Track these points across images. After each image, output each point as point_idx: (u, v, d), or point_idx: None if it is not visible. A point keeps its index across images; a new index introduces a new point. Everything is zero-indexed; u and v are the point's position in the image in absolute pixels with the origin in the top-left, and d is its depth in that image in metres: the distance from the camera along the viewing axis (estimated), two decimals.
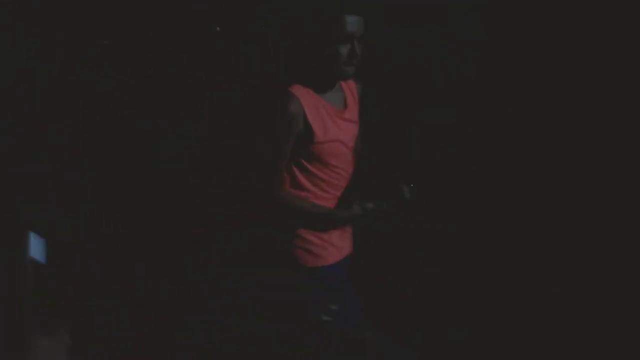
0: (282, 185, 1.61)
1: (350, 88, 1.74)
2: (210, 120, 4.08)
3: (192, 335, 2.37)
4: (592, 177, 2.78)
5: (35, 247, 0.68)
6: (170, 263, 2.83)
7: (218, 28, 3.62)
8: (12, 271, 0.65)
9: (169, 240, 2.98)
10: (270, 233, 1.70)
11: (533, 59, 2.86)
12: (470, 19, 2.83)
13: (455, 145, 3.03)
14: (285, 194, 1.61)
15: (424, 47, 3.02)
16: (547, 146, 2.88)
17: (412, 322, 2.40)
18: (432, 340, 2.31)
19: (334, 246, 1.67)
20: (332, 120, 1.63)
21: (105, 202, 3.25)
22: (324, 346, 1.68)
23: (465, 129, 2.98)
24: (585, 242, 2.67)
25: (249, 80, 3.34)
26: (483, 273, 2.66)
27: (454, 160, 2.97)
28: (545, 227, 2.78)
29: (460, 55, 2.97)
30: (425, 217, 2.65)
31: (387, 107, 2.86)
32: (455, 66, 3.12)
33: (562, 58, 2.85)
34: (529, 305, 2.48)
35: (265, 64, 3.18)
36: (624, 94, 2.76)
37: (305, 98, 1.59)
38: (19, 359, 0.65)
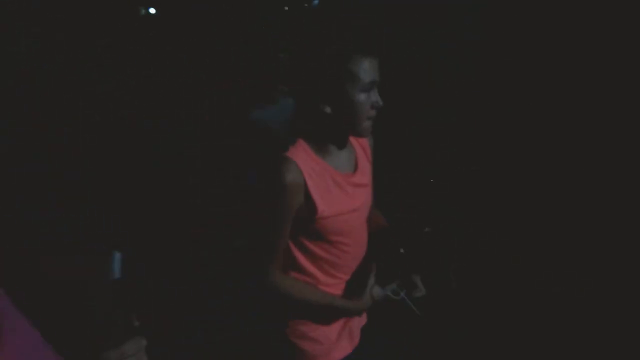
0: (279, 268, 1.33)
1: (361, 143, 1.42)
2: (210, 120, 4.09)
3: (192, 335, 2.37)
4: (592, 178, 2.78)
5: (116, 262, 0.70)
6: (170, 263, 2.84)
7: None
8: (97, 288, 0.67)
9: (169, 240, 2.98)
10: (272, 322, 1.42)
11: (533, 58, 2.87)
12: (470, 19, 2.83)
13: (455, 144, 3.03)
14: (283, 280, 1.33)
15: (424, 47, 3.03)
16: (547, 146, 2.88)
17: (412, 321, 2.40)
18: (432, 340, 2.31)
19: (344, 341, 1.41)
20: (340, 189, 1.33)
21: (105, 202, 3.26)
22: None
23: (465, 129, 2.99)
24: (585, 242, 2.67)
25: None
26: (482, 273, 2.67)
27: (454, 159, 2.98)
28: (545, 227, 2.78)
29: (460, 55, 2.97)
30: (426, 218, 2.65)
31: (387, 107, 2.85)
32: (455, 66, 3.13)
33: (561, 58, 2.86)
34: (529, 305, 2.48)
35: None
36: (623, 94, 2.76)
37: (306, 163, 1.28)
38: None
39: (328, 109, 1.24)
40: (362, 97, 1.20)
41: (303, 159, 1.26)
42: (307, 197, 1.25)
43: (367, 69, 1.20)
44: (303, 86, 1.27)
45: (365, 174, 1.39)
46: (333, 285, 1.36)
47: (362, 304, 1.34)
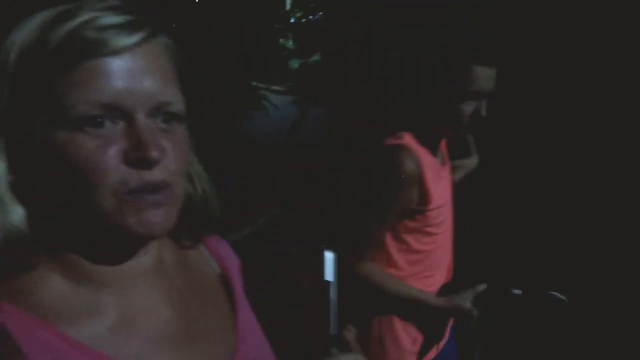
0: (371, 259, 1.27)
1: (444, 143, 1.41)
2: (210, 120, 4.07)
3: None
4: (592, 178, 2.77)
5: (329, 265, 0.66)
6: None
7: None
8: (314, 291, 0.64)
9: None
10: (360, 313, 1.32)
11: (532, 59, 2.86)
12: (470, 19, 2.82)
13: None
14: (375, 270, 1.27)
15: (424, 47, 3.01)
16: (546, 146, 2.87)
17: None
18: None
19: (432, 342, 1.35)
20: (440, 180, 1.31)
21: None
22: None
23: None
24: (585, 243, 2.67)
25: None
26: (482, 273, 2.66)
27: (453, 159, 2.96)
28: (545, 228, 2.77)
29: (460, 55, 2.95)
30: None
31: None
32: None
33: (561, 58, 2.85)
34: (528, 305, 2.47)
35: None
36: (623, 95, 2.75)
37: (421, 153, 1.24)
38: None
39: (432, 113, 1.24)
40: (464, 106, 1.19)
41: (418, 150, 1.24)
42: (421, 187, 1.22)
43: (474, 78, 1.18)
44: (412, 91, 1.27)
45: (449, 167, 1.41)
46: (421, 281, 1.31)
47: (449, 305, 1.28)
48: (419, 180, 1.21)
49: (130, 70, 0.49)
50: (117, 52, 0.48)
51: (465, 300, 1.26)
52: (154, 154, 0.48)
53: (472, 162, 1.70)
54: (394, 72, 2.53)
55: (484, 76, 1.18)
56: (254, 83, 5.43)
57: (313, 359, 0.62)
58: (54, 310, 0.50)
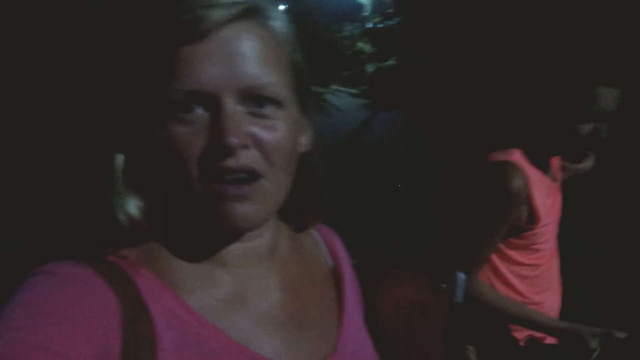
0: (479, 277, 1.24)
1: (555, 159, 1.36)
2: None
3: None
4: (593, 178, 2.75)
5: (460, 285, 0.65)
6: None
7: None
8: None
9: None
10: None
11: (533, 59, 2.84)
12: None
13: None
14: (486, 289, 1.23)
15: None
16: None
17: None
18: None
19: None
20: (549, 197, 1.27)
21: None
22: None
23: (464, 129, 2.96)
24: (586, 244, 2.65)
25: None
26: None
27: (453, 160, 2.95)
28: None
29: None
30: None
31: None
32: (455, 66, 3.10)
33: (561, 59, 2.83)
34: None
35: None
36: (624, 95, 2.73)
37: (530, 171, 1.21)
38: None
39: (547, 132, 1.18)
40: (582, 127, 1.14)
41: (526, 167, 1.20)
42: (529, 206, 1.19)
43: (595, 97, 1.12)
44: (525, 107, 1.22)
45: (559, 184, 1.34)
46: (528, 298, 1.27)
47: (567, 328, 1.21)
48: (527, 199, 1.18)
49: (219, 52, 0.48)
50: (207, 32, 0.48)
51: (592, 336, 1.18)
52: (232, 141, 0.48)
53: (585, 165, 1.55)
54: (505, 84, 2.48)
55: (607, 96, 1.12)
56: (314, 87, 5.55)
57: None
58: (178, 278, 0.53)
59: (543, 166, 1.25)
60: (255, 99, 0.50)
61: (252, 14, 0.51)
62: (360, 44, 10.33)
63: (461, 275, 0.64)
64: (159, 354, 0.47)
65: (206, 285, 0.54)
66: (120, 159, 0.52)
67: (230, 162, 0.49)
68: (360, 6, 10.49)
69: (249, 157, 0.50)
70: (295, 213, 0.61)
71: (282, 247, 0.62)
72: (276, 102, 0.52)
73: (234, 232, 0.55)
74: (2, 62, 2.87)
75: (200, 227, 0.53)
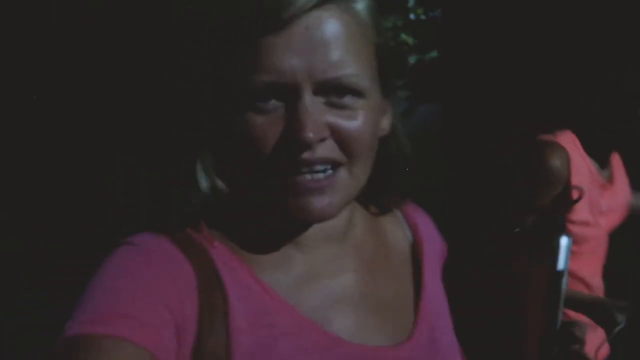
0: None
1: (617, 161, 1.26)
2: None
3: None
4: None
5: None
6: None
7: None
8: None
9: None
10: None
11: (532, 59, 2.85)
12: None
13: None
14: None
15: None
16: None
17: None
18: None
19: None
20: (596, 195, 1.17)
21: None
22: None
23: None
24: None
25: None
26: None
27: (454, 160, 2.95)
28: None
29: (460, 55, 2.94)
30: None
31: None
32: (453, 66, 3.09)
33: (561, 59, 2.83)
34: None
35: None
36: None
37: (576, 157, 1.13)
38: None
39: (601, 114, 1.11)
40: None
41: (572, 148, 1.12)
42: (565, 189, 1.10)
43: None
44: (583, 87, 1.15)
45: (620, 193, 1.23)
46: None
47: (586, 298, 1.12)
48: (565, 182, 1.09)
49: (299, 41, 0.47)
50: (292, 19, 0.47)
51: (617, 309, 1.10)
52: (309, 136, 0.47)
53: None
54: (557, 68, 2.25)
55: None
56: None
57: (531, 354, 0.58)
58: (251, 254, 0.54)
59: (597, 157, 1.17)
60: (335, 89, 0.49)
61: (338, 2, 0.49)
62: (403, 36, 10.16)
63: (564, 240, 0.58)
64: (231, 322, 0.48)
65: (279, 262, 0.55)
66: (204, 139, 0.53)
67: (307, 155, 0.48)
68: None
69: (327, 149, 0.49)
70: (374, 195, 0.61)
71: (358, 228, 0.61)
72: (356, 92, 0.50)
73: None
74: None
75: (274, 212, 0.53)
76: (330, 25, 0.48)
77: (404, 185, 0.61)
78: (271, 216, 0.52)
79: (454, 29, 3.53)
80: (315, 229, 0.54)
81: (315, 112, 0.47)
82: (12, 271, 2.81)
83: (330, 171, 0.49)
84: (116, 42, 2.93)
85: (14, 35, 3.24)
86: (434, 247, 0.66)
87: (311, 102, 0.47)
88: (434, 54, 8.62)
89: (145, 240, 0.50)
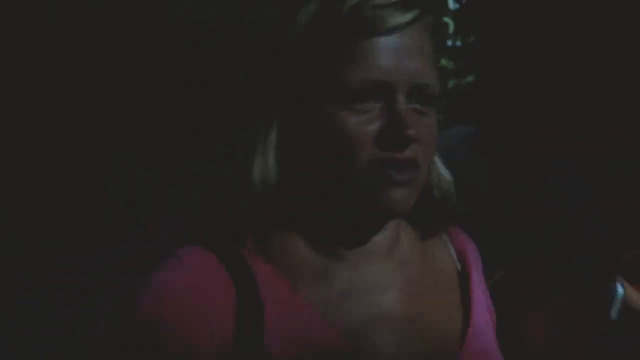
0: None
1: None
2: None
3: None
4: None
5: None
6: None
7: None
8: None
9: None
10: None
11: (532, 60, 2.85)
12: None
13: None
14: None
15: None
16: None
17: None
18: None
19: None
20: None
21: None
22: None
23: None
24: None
25: None
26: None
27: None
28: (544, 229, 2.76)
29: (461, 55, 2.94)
30: None
31: None
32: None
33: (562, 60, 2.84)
34: None
35: None
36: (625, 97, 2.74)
37: None
38: None
39: None
40: None
41: None
42: None
43: None
44: None
45: None
46: None
47: None
48: None
49: (397, 49, 0.52)
50: (389, 31, 0.51)
51: None
52: (411, 132, 0.51)
53: None
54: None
55: None
56: None
57: None
58: (292, 268, 0.55)
59: None
60: (420, 96, 0.54)
61: (427, 16, 0.54)
62: (444, 61, 10.43)
63: (619, 289, 0.56)
64: (266, 339, 0.50)
65: (321, 277, 0.56)
66: (274, 132, 0.55)
67: (399, 154, 0.52)
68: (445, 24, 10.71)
69: (414, 150, 0.53)
70: (419, 216, 0.62)
71: (404, 247, 0.62)
72: (433, 101, 0.55)
73: (371, 223, 0.56)
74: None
75: (337, 215, 0.54)
76: (424, 38, 0.54)
77: (447, 207, 0.62)
78: (322, 223, 0.53)
79: (491, 54, 3.56)
80: (361, 242, 0.55)
81: (410, 113, 0.50)
82: (12, 271, 2.81)
83: (412, 170, 0.52)
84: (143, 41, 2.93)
85: (14, 35, 3.25)
86: (480, 273, 0.66)
87: (405, 104, 0.50)
88: (470, 78, 8.72)
89: (189, 252, 0.52)
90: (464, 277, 0.64)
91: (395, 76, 0.52)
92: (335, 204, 0.55)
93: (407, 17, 0.52)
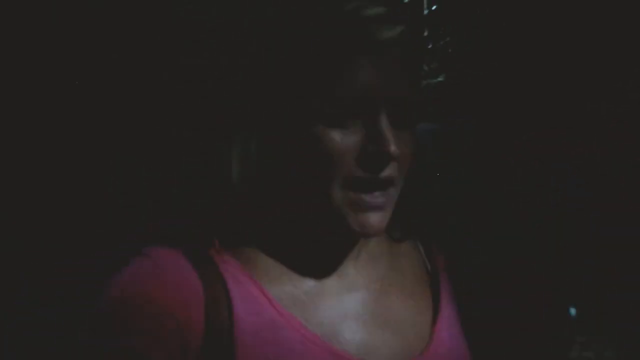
0: None
1: None
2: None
3: None
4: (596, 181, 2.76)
5: None
6: None
7: None
8: None
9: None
10: None
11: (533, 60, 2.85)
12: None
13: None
14: None
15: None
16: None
17: None
18: None
19: None
20: None
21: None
22: None
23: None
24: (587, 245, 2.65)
25: None
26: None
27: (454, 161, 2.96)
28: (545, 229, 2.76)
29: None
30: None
31: None
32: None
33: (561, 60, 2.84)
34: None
35: None
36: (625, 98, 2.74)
37: None
38: None
39: None
40: None
41: None
42: None
43: None
44: None
45: None
46: None
47: None
48: None
49: (383, 65, 0.53)
50: (376, 46, 0.50)
51: None
52: (393, 150, 0.52)
53: None
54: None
55: None
56: None
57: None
58: (261, 267, 0.58)
59: None
60: (402, 112, 0.54)
61: (411, 31, 0.54)
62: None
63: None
64: (236, 336, 0.53)
65: (289, 277, 0.56)
66: (254, 142, 0.55)
67: (378, 173, 0.53)
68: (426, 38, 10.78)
69: (393, 169, 0.55)
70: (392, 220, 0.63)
71: (372, 246, 0.64)
72: (412, 116, 0.56)
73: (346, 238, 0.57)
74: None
75: (310, 224, 0.54)
76: (408, 53, 0.55)
77: (415, 212, 0.63)
78: (296, 229, 0.54)
79: (461, 54, 3.59)
80: (330, 245, 0.56)
81: (392, 130, 0.50)
82: (12, 271, 2.82)
83: (387, 189, 0.51)
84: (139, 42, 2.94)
85: (14, 35, 3.25)
86: (448, 271, 0.68)
87: (388, 121, 0.50)
88: (441, 78, 8.80)
89: (158, 252, 0.54)
90: (433, 275, 0.66)
91: (380, 93, 0.53)
92: (309, 215, 0.55)
93: (395, 32, 0.53)
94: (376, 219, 0.53)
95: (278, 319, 0.54)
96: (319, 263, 0.59)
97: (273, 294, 0.56)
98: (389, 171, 0.53)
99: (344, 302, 0.60)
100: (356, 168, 0.51)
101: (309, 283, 0.59)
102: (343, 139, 0.52)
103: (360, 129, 0.53)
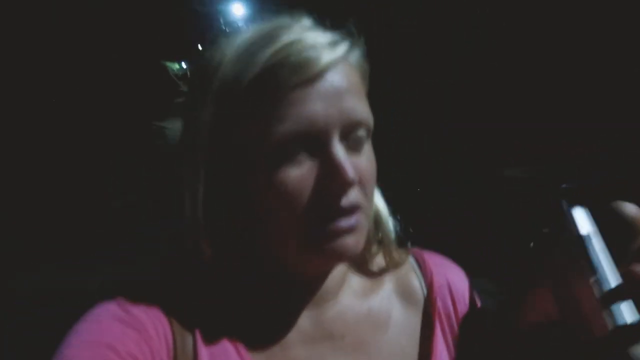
0: None
1: None
2: None
3: None
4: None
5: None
6: None
7: None
8: None
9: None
10: None
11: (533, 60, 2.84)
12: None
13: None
14: None
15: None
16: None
17: None
18: None
19: None
20: None
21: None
22: None
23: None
24: None
25: None
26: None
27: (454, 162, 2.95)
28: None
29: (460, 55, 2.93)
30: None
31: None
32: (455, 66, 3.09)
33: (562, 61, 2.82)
34: None
35: None
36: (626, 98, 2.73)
37: None
38: None
39: None
40: None
41: None
42: None
43: None
44: None
45: None
46: None
47: None
48: None
49: (328, 91, 0.48)
50: (320, 72, 0.48)
51: None
52: (351, 177, 0.47)
53: None
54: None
55: None
56: None
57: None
58: (232, 315, 0.51)
59: None
60: (355, 134, 0.50)
61: (354, 50, 0.51)
62: None
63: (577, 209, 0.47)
64: None
65: (262, 325, 0.52)
66: (203, 192, 0.52)
67: (345, 200, 0.48)
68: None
69: (356, 194, 0.49)
70: (370, 249, 0.58)
71: (352, 285, 0.60)
72: (368, 135, 0.51)
73: (330, 265, 0.54)
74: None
75: (280, 264, 0.52)
76: (349, 75, 0.50)
77: (388, 237, 0.60)
78: (264, 273, 0.51)
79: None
80: (305, 288, 0.53)
81: (346, 156, 0.47)
82: (12, 271, 2.81)
83: (355, 213, 0.49)
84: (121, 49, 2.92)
85: (14, 35, 3.24)
86: (445, 292, 0.63)
87: (341, 148, 0.47)
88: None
89: (125, 301, 0.50)
90: (427, 302, 0.61)
91: (327, 122, 0.48)
92: (277, 254, 0.52)
93: (337, 53, 0.48)
94: (352, 241, 0.48)
95: None
96: (293, 310, 0.54)
97: (244, 343, 0.50)
98: (352, 197, 0.48)
99: (318, 352, 0.53)
100: (318, 202, 0.48)
101: (282, 332, 0.53)
102: (300, 177, 0.48)
103: (314, 163, 0.48)
